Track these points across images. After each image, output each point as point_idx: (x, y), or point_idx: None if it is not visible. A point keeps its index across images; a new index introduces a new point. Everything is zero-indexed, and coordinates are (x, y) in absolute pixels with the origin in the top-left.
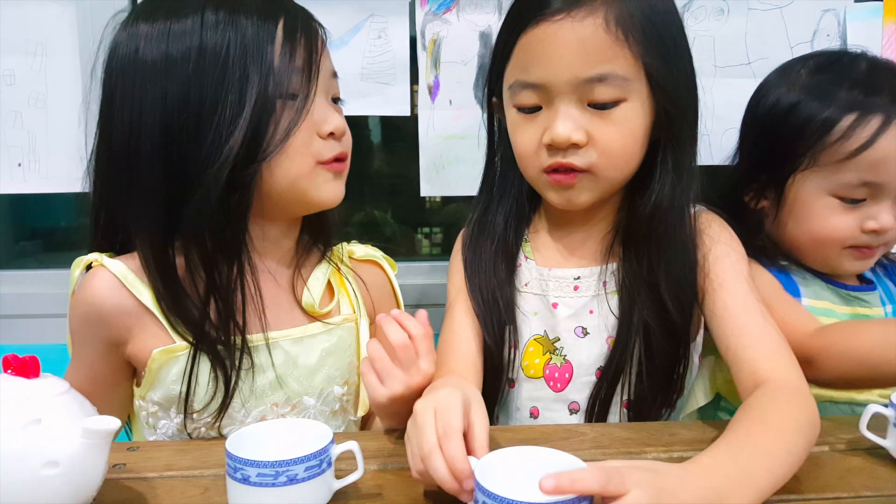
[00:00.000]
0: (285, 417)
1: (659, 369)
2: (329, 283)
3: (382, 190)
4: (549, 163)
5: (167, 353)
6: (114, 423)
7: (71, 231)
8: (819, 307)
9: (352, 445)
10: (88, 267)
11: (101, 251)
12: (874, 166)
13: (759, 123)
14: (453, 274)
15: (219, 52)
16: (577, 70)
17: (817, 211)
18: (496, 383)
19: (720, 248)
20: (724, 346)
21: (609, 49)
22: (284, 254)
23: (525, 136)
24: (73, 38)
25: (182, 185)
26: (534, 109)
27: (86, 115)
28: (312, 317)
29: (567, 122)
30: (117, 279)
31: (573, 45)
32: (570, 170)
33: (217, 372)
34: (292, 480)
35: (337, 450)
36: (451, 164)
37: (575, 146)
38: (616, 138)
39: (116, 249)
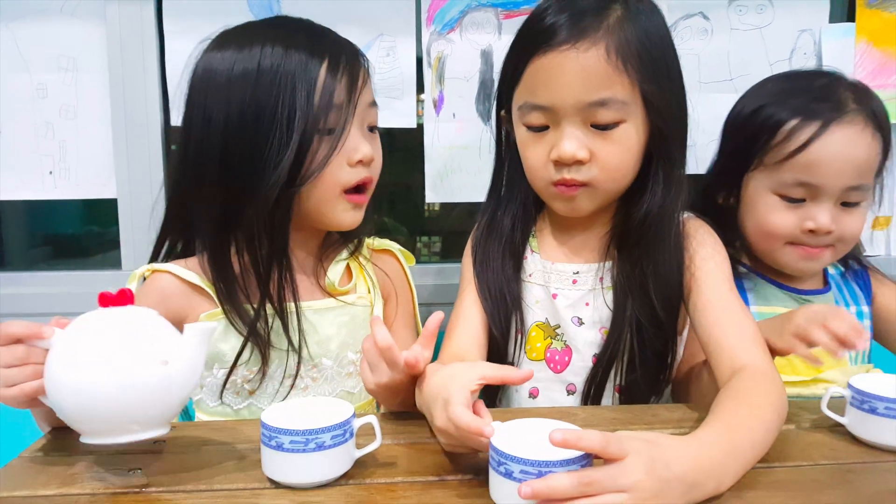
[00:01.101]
0: (308, 376)
1: (648, 359)
2: (349, 268)
3: (385, 198)
4: (556, 178)
5: (211, 316)
6: (211, 324)
7: (80, 238)
8: (768, 312)
9: (371, 419)
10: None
11: (162, 246)
12: (809, 167)
13: (728, 127)
14: (465, 268)
15: (272, 79)
16: (582, 95)
17: (761, 207)
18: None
19: (705, 251)
20: (705, 336)
21: (609, 77)
22: (311, 248)
23: (534, 153)
24: (102, 54)
25: (238, 197)
26: (542, 128)
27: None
28: (331, 296)
29: (572, 141)
30: (173, 274)
31: (578, 73)
32: (573, 183)
33: (253, 336)
34: (320, 447)
35: (358, 422)
36: (454, 173)
37: (579, 162)
38: (615, 156)
39: (175, 249)
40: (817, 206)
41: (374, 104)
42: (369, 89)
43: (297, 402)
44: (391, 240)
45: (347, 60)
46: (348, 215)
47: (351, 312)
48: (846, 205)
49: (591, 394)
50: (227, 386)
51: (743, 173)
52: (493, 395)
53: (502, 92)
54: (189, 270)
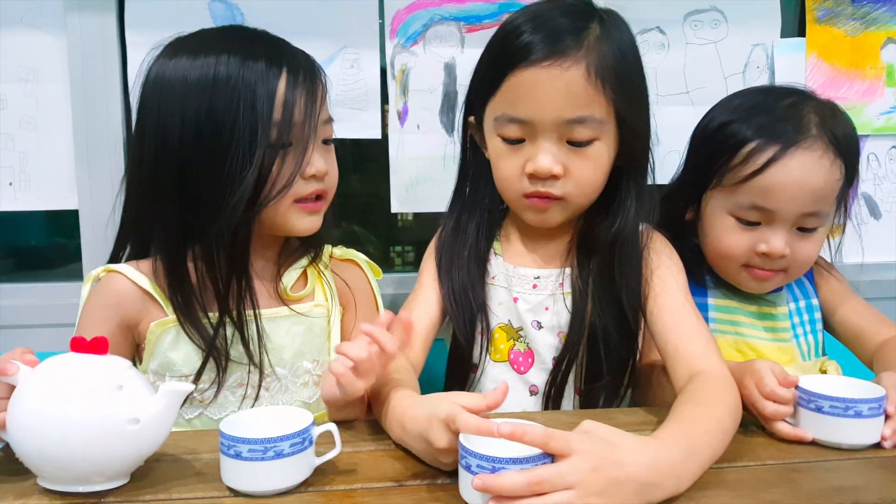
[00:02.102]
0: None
1: (608, 364)
2: (306, 275)
3: (357, 208)
4: (530, 190)
5: (161, 325)
6: (187, 386)
7: (43, 250)
8: (723, 305)
9: (331, 427)
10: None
11: (119, 255)
12: (764, 192)
13: (694, 140)
14: (423, 271)
15: (230, 90)
16: (561, 112)
17: (717, 227)
18: (464, 370)
19: (662, 261)
20: (662, 342)
21: (589, 96)
22: (269, 256)
23: (508, 164)
24: (63, 65)
25: (197, 212)
26: (517, 141)
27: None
28: (286, 304)
29: (548, 156)
30: (126, 277)
31: (559, 90)
32: (547, 197)
33: (203, 341)
34: (279, 455)
35: (317, 430)
36: (419, 184)
37: (554, 177)
38: (589, 172)
39: (134, 254)
40: (772, 230)
41: (330, 119)
42: (326, 105)
43: (257, 410)
44: (361, 251)
45: (306, 74)
46: (304, 221)
47: (307, 322)
48: (803, 230)
49: (553, 395)
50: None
51: (703, 190)
52: None
53: (474, 100)
54: (142, 274)
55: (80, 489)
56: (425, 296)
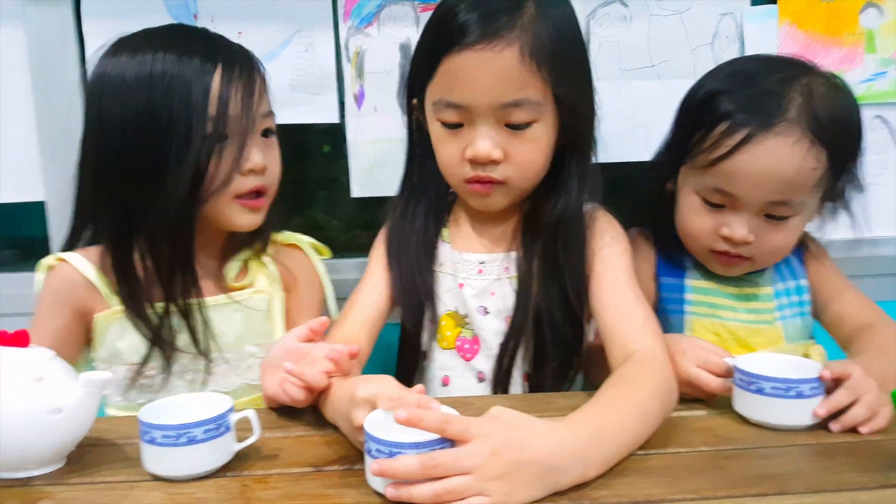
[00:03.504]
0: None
1: (555, 347)
2: (248, 264)
3: (317, 194)
4: (470, 175)
5: (108, 316)
6: (105, 375)
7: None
8: (701, 287)
9: (249, 413)
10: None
11: (74, 243)
12: (728, 177)
13: (680, 109)
14: (372, 257)
15: (166, 86)
16: (497, 96)
17: (684, 206)
18: (413, 356)
19: (604, 241)
20: (601, 322)
21: (524, 78)
22: (213, 250)
23: (448, 149)
24: (23, 59)
25: (138, 205)
26: (456, 125)
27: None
28: (227, 292)
29: (487, 141)
30: (73, 266)
31: (493, 74)
32: (488, 181)
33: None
34: (192, 441)
35: (235, 417)
36: (379, 167)
37: (493, 162)
38: (529, 155)
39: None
40: (735, 215)
41: (270, 113)
42: (265, 99)
43: (181, 397)
44: (320, 238)
45: (242, 69)
46: (245, 218)
47: (248, 306)
48: (772, 217)
49: (500, 381)
50: (123, 382)
51: (679, 164)
52: (407, 384)
53: (414, 84)
54: (89, 263)
55: (16, 475)
56: (373, 284)
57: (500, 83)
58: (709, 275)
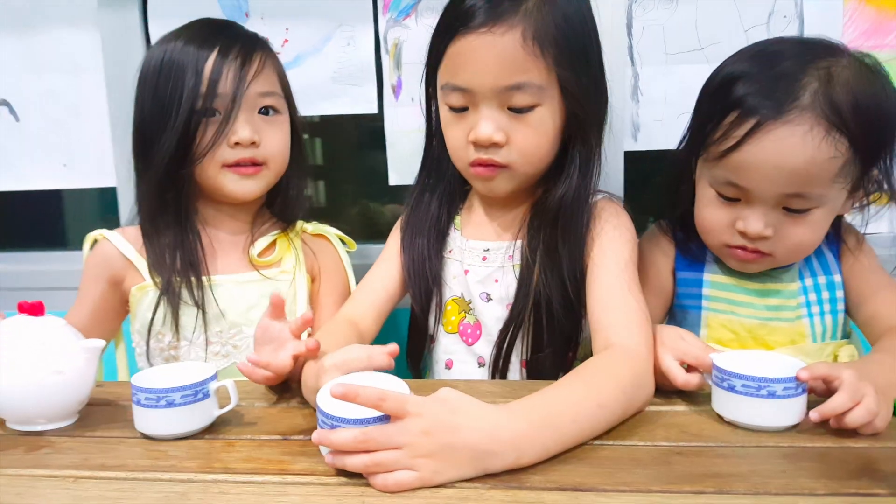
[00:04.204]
0: (230, 343)
1: (553, 335)
2: (276, 244)
3: (357, 181)
4: (474, 157)
5: (141, 290)
6: (100, 343)
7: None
8: (719, 282)
9: (227, 383)
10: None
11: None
12: (737, 169)
13: (699, 95)
14: (390, 242)
15: (168, 70)
16: (498, 79)
17: (701, 199)
18: (421, 340)
19: (605, 231)
20: (589, 312)
21: (525, 61)
22: (240, 224)
23: (454, 133)
24: (98, 59)
25: (140, 176)
26: (462, 109)
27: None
28: (255, 269)
29: (489, 123)
30: (111, 242)
31: (495, 57)
32: (492, 165)
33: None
34: (170, 404)
35: (215, 385)
36: (416, 156)
37: (496, 145)
38: (531, 139)
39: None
40: (750, 209)
41: (270, 93)
42: (267, 80)
43: (174, 366)
44: (373, 227)
45: (240, 52)
46: (238, 185)
47: (274, 285)
48: (790, 210)
49: (500, 367)
50: (154, 353)
51: (696, 155)
52: (416, 367)
53: (428, 71)
54: (126, 240)
55: (29, 428)
56: (386, 268)
57: (501, 66)
58: (729, 270)
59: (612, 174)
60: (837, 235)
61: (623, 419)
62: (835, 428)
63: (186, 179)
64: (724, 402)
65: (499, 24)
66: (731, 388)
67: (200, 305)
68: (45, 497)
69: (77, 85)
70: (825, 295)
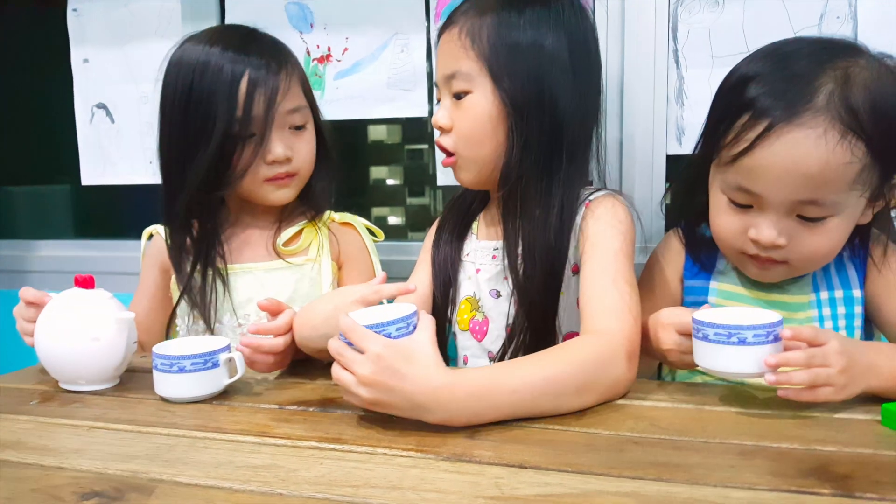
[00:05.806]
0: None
1: (533, 323)
2: (303, 233)
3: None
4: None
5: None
6: (131, 314)
7: None
8: (727, 290)
9: (235, 355)
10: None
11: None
12: (748, 174)
13: (714, 96)
14: (427, 241)
15: (197, 91)
16: (442, 69)
17: (715, 205)
18: (442, 336)
19: (597, 224)
20: (579, 302)
21: (458, 52)
22: (269, 217)
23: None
24: None
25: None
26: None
27: None
28: (281, 257)
29: (441, 110)
30: (160, 236)
31: (442, 51)
32: (448, 153)
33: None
34: (181, 370)
35: (225, 356)
36: None
37: (442, 130)
38: (466, 122)
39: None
40: (763, 216)
41: (298, 108)
42: (294, 95)
43: (204, 339)
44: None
45: (269, 71)
46: (276, 195)
47: (300, 272)
48: (805, 218)
49: (507, 360)
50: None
51: (709, 159)
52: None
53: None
54: None
55: (73, 388)
56: (423, 267)
57: (445, 58)
58: (737, 279)
59: (654, 177)
60: (864, 247)
61: (588, 398)
62: (772, 384)
63: (217, 199)
64: (700, 354)
65: (451, 25)
66: (705, 338)
67: (226, 293)
68: (60, 441)
69: None
70: (841, 310)
